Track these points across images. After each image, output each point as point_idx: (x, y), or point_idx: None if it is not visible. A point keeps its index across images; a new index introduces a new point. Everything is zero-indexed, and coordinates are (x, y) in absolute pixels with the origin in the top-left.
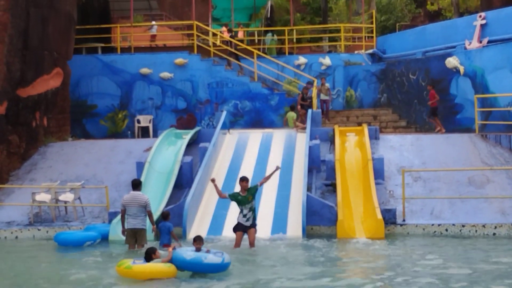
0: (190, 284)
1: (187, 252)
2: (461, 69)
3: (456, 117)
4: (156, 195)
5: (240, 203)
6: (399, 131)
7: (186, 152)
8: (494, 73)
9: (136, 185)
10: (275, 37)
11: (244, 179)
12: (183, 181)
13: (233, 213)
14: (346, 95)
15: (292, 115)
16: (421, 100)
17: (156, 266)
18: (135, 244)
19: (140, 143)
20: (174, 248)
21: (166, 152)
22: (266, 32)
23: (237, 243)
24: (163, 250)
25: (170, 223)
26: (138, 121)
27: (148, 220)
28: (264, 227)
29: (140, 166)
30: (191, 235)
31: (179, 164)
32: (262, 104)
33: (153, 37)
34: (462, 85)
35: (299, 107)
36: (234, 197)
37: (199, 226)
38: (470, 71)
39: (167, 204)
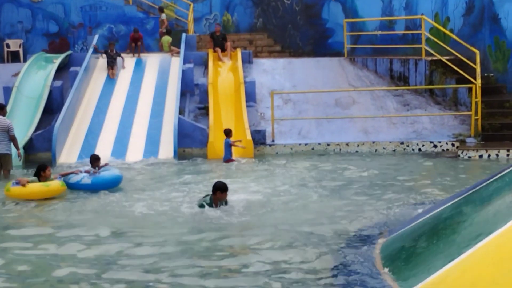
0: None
1: (101, 173)
2: None
3: (327, 41)
4: (25, 120)
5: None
6: (274, 56)
7: (57, 77)
8: None
9: None
10: None
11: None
12: (54, 106)
13: (104, 139)
14: (223, 19)
15: (167, 39)
16: (295, 25)
17: (30, 187)
18: (1, 170)
19: (8, 68)
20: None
21: (35, 76)
22: None
23: None
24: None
25: (229, 139)
26: (8, 46)
27: (13, 146)
28: (136, 151)
29: (7, 91)
30: (61, 160)
31: (49, 88)
32: (137, 28)
33: None
34: (333, 10)
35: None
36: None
37: (69, 151)
38: None
39: (36, 129)
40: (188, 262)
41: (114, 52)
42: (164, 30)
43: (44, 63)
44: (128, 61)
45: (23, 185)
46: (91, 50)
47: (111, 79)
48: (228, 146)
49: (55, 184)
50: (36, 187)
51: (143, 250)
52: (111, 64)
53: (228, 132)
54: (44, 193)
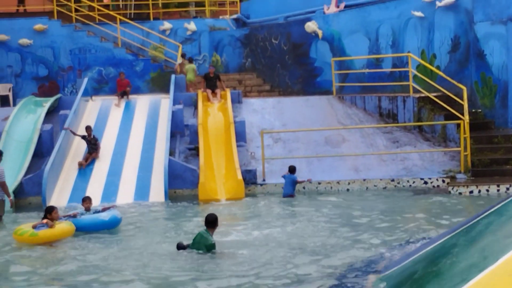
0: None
1: (98, 214)
2: (320, 33)
3: (316, 80)
4: (15, 164)
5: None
6: (263, 95)
7: (47, 120)
8: (350, 37)
9: None
10: None
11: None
12: (44, 150)
13: (94, 182)
14: (212, 60)
15: (192, 67)
16: (283, 64)
17: (59, 227)
18: None
19: None
20: None
21: (25, 120)
22: None
23: None
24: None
25: (295, 175)
26: None
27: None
28: (127, 193)
29: None
30: (51, 204)
31: (39, 132)
32: (127, 70)
33: None
34: (321, 49)
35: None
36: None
37: (59, 195)
38: (328, 35)
39: (26, 173)
40: None
41: (92, 136)
42: (188, 59)
43: (33, 106)
44: (114, 109)
45: (51, 226)
46: (79, 95)
47: (99, 122)
48: (293, 183)
49: (72, 224)
50: (65, 227)
51: None
52: (91, 151)
53: (293, 169)
54: (71, 232)
